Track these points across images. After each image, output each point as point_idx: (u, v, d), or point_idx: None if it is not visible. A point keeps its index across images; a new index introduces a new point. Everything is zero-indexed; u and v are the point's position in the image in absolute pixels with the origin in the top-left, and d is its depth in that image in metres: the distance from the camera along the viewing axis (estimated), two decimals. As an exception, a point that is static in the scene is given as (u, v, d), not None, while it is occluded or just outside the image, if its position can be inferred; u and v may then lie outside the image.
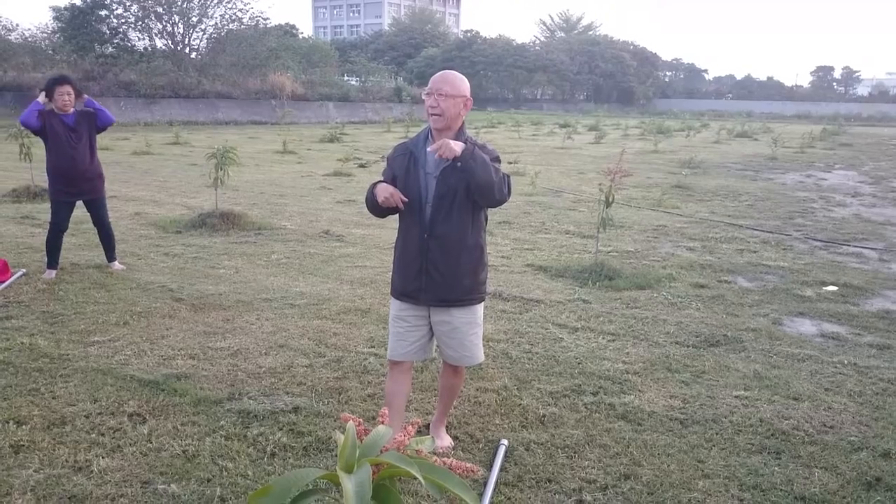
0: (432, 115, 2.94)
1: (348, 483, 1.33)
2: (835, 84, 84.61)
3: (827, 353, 4.72)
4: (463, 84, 2.98)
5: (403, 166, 3.03)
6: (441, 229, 2.97)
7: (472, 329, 3.13)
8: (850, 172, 17.53)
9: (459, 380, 3.32)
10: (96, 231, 6.28)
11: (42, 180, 8.23)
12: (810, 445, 3.42)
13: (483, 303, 3.18)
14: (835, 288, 6.36)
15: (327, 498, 2.71)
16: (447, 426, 3.46)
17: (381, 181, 3.10)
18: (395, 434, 3.31)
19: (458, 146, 2.81)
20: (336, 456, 3.15)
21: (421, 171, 2.99)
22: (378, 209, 3.06)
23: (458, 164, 2.83)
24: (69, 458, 3.11)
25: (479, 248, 3.07)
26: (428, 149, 2.92)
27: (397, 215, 3.10)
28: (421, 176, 2.99)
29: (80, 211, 6.21)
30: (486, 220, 3.17)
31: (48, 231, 6.02)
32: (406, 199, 2.97)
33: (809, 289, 6.32)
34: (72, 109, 5.88)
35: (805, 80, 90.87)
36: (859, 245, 8.46)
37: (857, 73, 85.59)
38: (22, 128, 6.71)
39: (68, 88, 5.79)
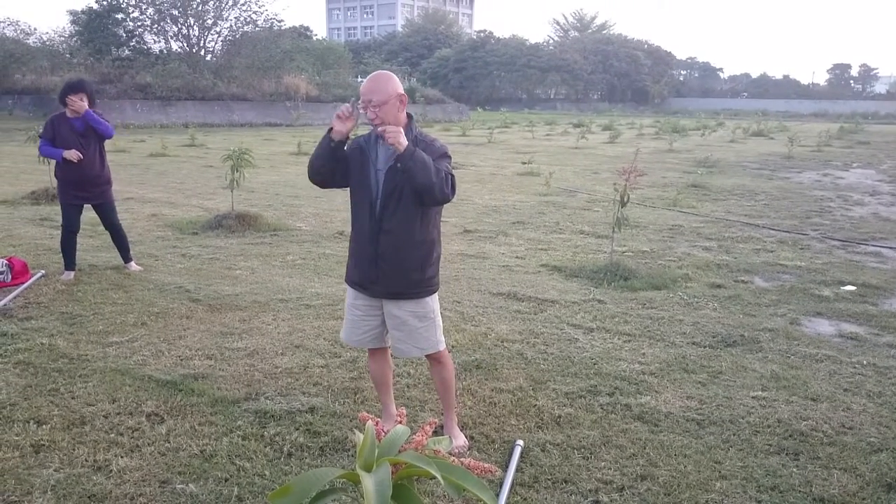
0: (374, 125, 2.98)
1: (369, 481, 1.34)
2: (852, 82, 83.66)
3: (845, 353, 4.67)
4: (389, 84, 2.98)
5: (357, 161, 3.11)
6: (389, 224, 3.04)
7: (422, 322, 3.17)
8: (868, 171, 17.35)
9: (446, 372, 3.33)
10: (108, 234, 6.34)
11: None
12: (829, 446, 3.40)
13: (435, 295, 3.22)
14: (853, 288, 6.30)
15: (345, 497, 2.72)
16: (462, 427, 3.46)
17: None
18: (390, 409, 3.41)
19: (403, 140, 2.82)
20: (352, 456, 3.17)
21: (371, 167, 3.07)
22: (323, 161, 3.09)
23: (398, 164, 2.86)
24: (88, 457, 3.14)
25: (427, 244, 3.12)
26: (378, 129, 2.92)
27: (350, 208, 3.19)
28: (371, 172, 3.07)
29: (95, 213, 6.26)
30: (440, 214, 3.19)
31: (61, 233, 6.09)
32: (351, 113, 2.97)
33: (827, 288, 6.26)
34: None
35: (822, 78, 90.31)
36: (878, 244, 8.37)
37: (874, 71, 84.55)
38: (40, 129, 6.76)
39: (82, 94, 5.84)
